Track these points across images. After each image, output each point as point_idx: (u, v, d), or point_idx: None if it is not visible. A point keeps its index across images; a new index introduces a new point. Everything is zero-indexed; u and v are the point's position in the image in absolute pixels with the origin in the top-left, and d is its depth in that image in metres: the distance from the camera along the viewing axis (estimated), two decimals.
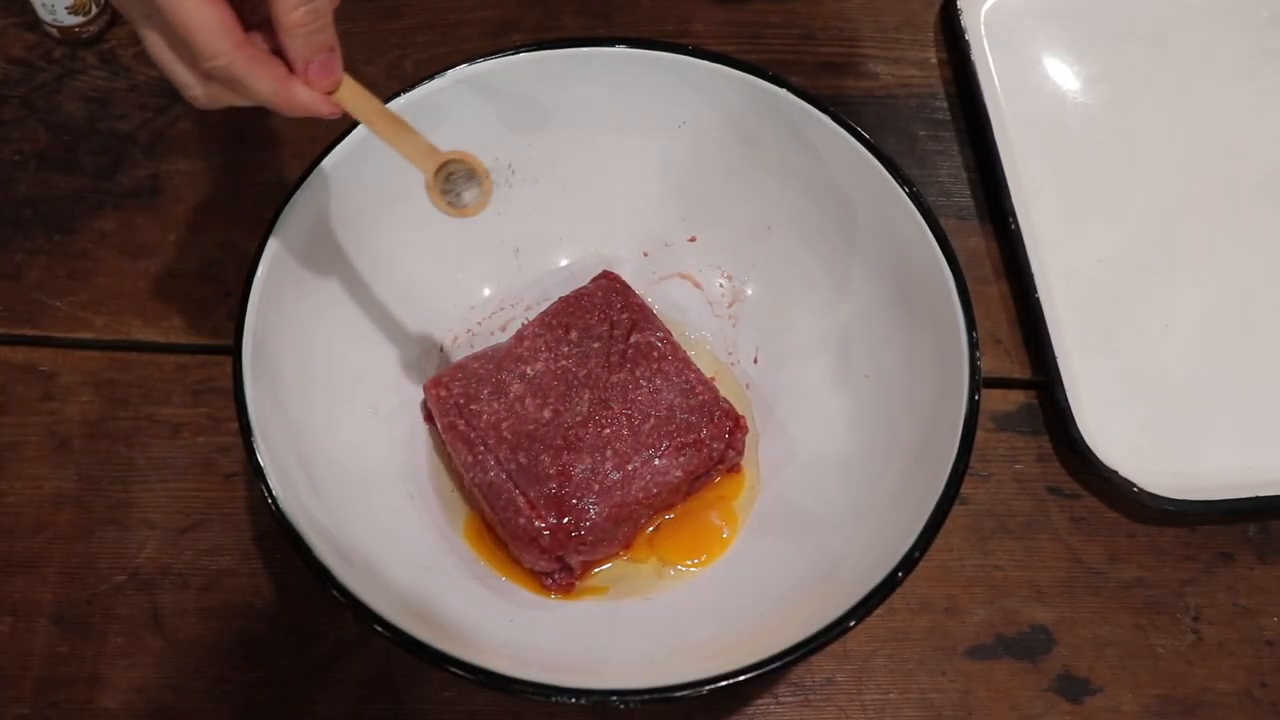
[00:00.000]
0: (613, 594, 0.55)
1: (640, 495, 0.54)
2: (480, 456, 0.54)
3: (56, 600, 0.56)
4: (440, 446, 0.58)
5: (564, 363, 0.56)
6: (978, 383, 0.50)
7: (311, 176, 0.53)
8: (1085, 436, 0.59)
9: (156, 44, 0.44)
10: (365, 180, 0.55)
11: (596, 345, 0.57)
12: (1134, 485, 0.58)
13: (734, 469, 0.58)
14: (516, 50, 0.56)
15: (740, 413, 0.57)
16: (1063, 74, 0.72)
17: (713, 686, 0.44)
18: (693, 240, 0.63)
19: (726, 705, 0.56)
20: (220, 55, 0.42)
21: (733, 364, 0.62)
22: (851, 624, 0.45)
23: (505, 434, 0.54)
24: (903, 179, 0.54)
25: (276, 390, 0.50)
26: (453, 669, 0.44)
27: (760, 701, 0.56)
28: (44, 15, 0.67)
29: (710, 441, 0.55)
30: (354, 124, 0.54)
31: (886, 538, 0.49)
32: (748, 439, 0.58)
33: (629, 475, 0.54)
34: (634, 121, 0.59)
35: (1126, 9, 0.74)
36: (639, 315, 0.58)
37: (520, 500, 0.53)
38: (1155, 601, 0.59)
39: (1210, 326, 0.65)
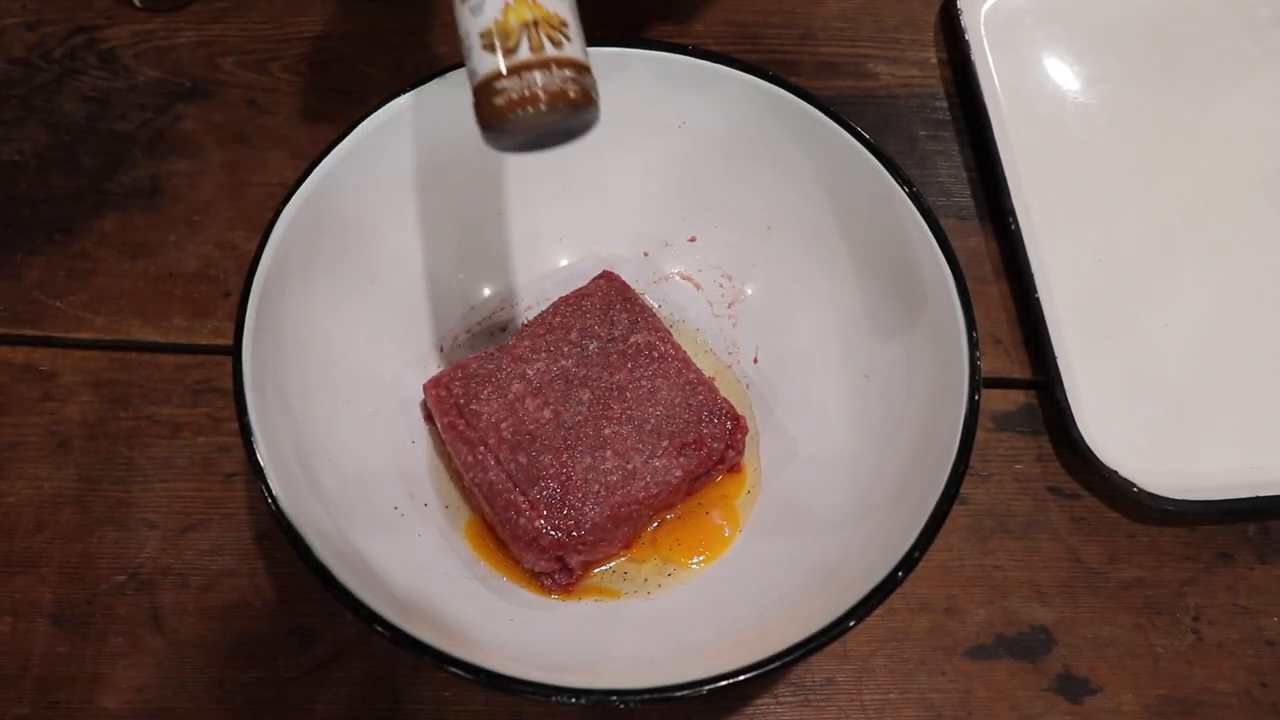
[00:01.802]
0: (613, 594, 0.55)
1: (640, 495, 0.54)
2: (480, 456, 0.54)
3: (56, 600, 0.56)
4: (440, 447, 0.58)
5: (564, 363, 0.57)
6: (978, 383, 0.50)
7: (311, 176, 0.53)
8: (1085, 436, 0.59)
9: None
10: (365, 180, 0.55)
11: (596, 345, 0.57)
12: (1134, 485, 0.58)
13: (734, 469, 0.58)
14: None
15: (740, 413, 0.57)
16: (1063, 74, 0.72)
17: (713, 686, 0.44)
18: (693, 240, 0.63)
19: (726, 705, 0.56)
20: None
21: (733, 364, 0.62)
22: (851, 624, 0.45)
23: (505, 434, 0.54)
24: (903, 179, 0.54)
25: (276, 390, 0.50)
26: (453, 669, 0.44)
27: (760, 701, 0.56)
28: None
29: (710, 441, 0.55)
30: (354, 124, 0.54)
31: (886, 538, 0.49)
32: (748, 439, 0.58)
33: (629, 475, 0.54)
34: (634, 121, 0.59)
35: (1126, 9, 0.74)
36: (639, 315, 0.58)
37: (520, 500, 0.53)
38: (1155, 601, 0.59)
39: (1210, 326, 0.65)
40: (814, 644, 0.45)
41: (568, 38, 0.42)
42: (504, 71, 0.42)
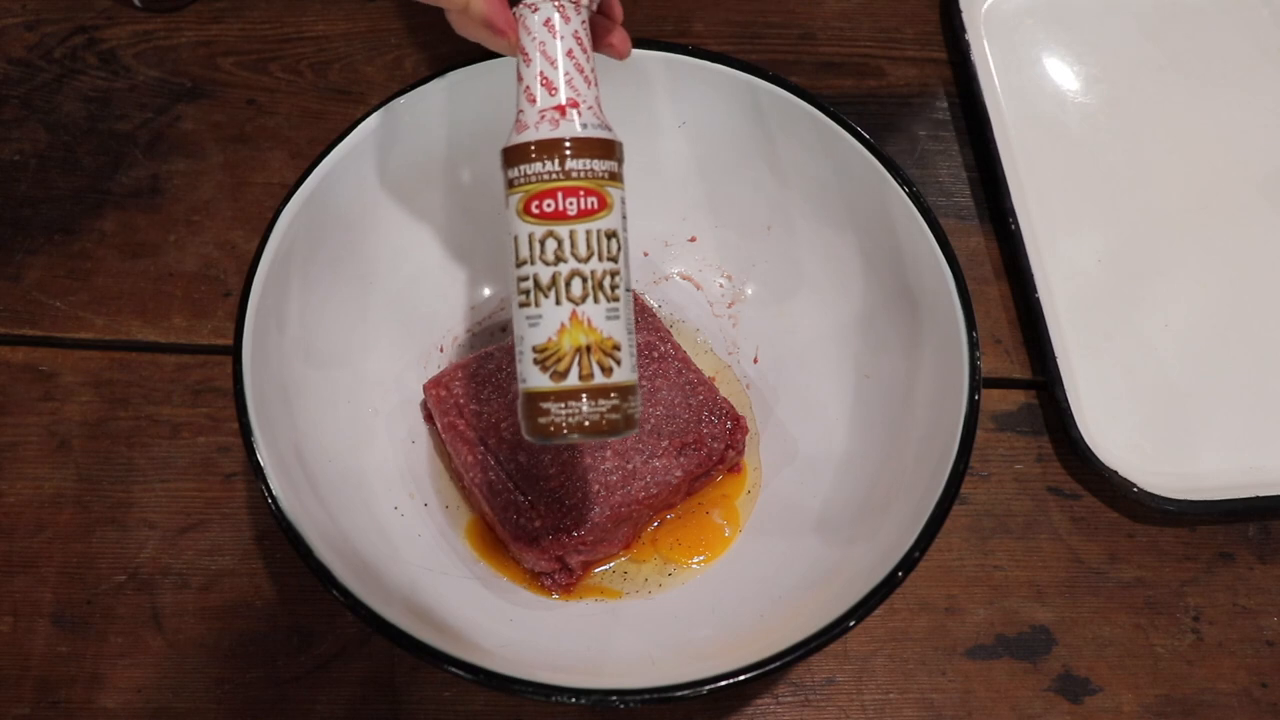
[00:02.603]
0: (613, 594, 0.55)
1: (640, 495, 0.54)
2: (480, 456, 0.54)
3: (56, 600, 0.56)
4: (440, 447, 0.58)
5: None
6: (978, 383, 0.50)
7: (311, 176, 0.53)
8: (1085, 436, 0.59)
9: None
10: (365, 180, 0.55)
11: None
12: (1134, 485, 0.58)
13: (735, 469, 0.58)
14: None
15: (740, 413, 0.57)
16: (1063, 74, 0.72)
17: (713, 686, 0.44)
18: (693, 240, 0.63)
19: (726, 705, 0.56)
20: None
21: (733, 364, 0.62)
22: (851, 624, 0.45)
23: (505, 434, 0.54)
24: (903, 179, 0.54)
25: (277, 390, 0.50)
26: (453, 669, 0.44)
27: (760, 701, 0.56)
28: None
29: (710, 441, 0.55)
30: (354, 124, 0.54)
31: (886, 537, 0.49)
32: (748, 439, 0.58)
33: (629, 475, 0.54)
34: (634, 121, 0.59)
35: (1127, 9, 0.74)
36: (639, 315, 0.58)
37: (520, 500, 0.53)
38: (1155, 601, 0.59)
39: (1210, 326, 0.65)
40: (814, 644, 0.45)
41: (618, 362, 0.43)
42: (551, 394, 0.43)
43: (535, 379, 0.43)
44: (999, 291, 0.66)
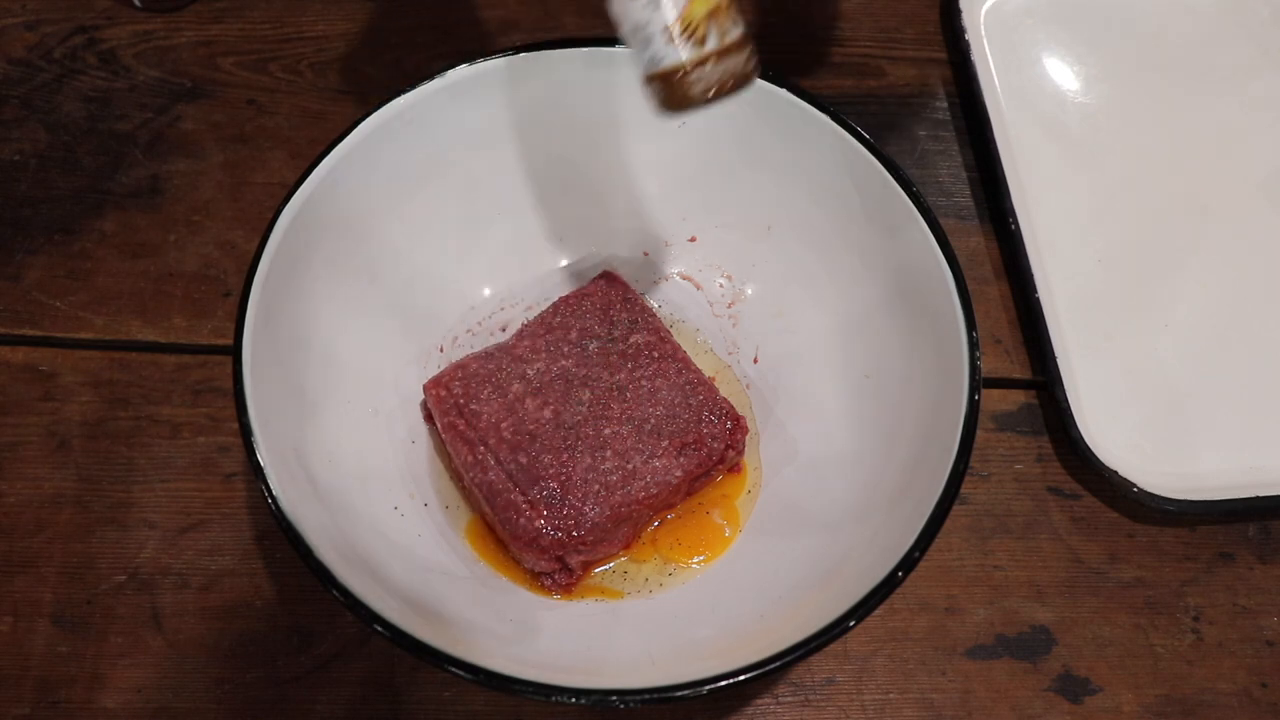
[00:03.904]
0: (613, 594, 0.55)
1: (640, 495, 0.54)
2: (480, 456, 0.54)
3: (56, 600, 0.56)
4: (440, 447, 0.58)
5: (564, 363, 0.57)
6: (978, 383, 0.50)
7: (311, 176, 0.53)
8: (1085, 436, 0.59)
9: None
10: (365, 180, 0.55)
11: (596, 345, 0.57)
12: (1134, 485, 0.58)
13: (734, 469, 0.58)
14: (516, 50, 0.56)
15: (740, 413, 0.57)
16: (1063, 74, 0.72)
17: (713, 686, 0.44)
18: (693, 240, 0.63)
19: (726, 705, 0.56)
20: None
21: (733, 364, 0.62)
22: (851, 624, 0.45)
23: (505, 434, 0.54)
24: (903, 179, 0.54)
25: (276, 390, 0.50)
26: (453, 669, 0.44)
27: (760, 701, 0.56)
28: None
29: (710, 441, 0.55)
30: (354, 124, 0.54)
31: (886, 537, 0.49)
32: (748, 439, 0.58)
33: (629, 475, 0.54)
34: (634, 121, 0.59)
35: (1126, 9, 0.74)
36: (639, 315, 0.58)
37: (520, 500, 0.53)
38: (1155, 601, 0.59)
39: (1210, 326, 0.65)
40: (814, 644, 0.45)
41: (735, 20, 0.45)
42: (696, 62, 0.44)
43: (672, 55, 0.44)
44: (999, 291, 0.66)
